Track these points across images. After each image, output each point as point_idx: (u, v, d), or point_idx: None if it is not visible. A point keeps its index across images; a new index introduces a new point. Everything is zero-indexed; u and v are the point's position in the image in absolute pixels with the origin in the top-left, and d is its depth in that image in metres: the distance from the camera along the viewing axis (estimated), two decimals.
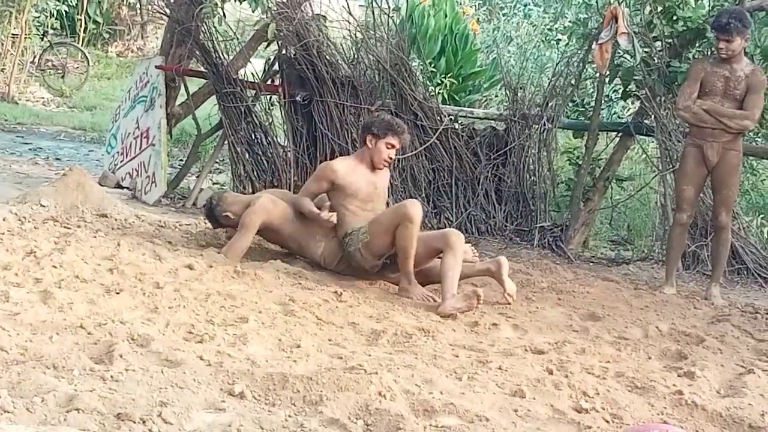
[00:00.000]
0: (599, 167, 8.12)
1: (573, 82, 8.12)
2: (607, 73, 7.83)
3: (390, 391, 3.75)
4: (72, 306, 4.51)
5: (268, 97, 8.27)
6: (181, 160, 9.58)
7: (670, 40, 7.60)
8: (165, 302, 4.80)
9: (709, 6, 7.65)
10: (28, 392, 3.37)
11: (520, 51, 12.46)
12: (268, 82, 8.24)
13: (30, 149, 10.47)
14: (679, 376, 4.51)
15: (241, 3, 8.19)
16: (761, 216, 8.27)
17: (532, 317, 5.53)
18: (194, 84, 8.69)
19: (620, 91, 8.55)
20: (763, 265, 7.48)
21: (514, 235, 8.00)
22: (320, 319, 4.93)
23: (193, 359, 3.93)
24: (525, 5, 15.53)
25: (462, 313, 5.32)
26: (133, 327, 4.25)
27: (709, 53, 7.30)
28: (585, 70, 8.16)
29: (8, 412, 3.19)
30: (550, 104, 8.04)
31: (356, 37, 8.12)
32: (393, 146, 5.98)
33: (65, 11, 15.70)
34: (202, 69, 8.38)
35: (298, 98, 7.92)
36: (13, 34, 13.78)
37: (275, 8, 7.84)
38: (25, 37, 13.83)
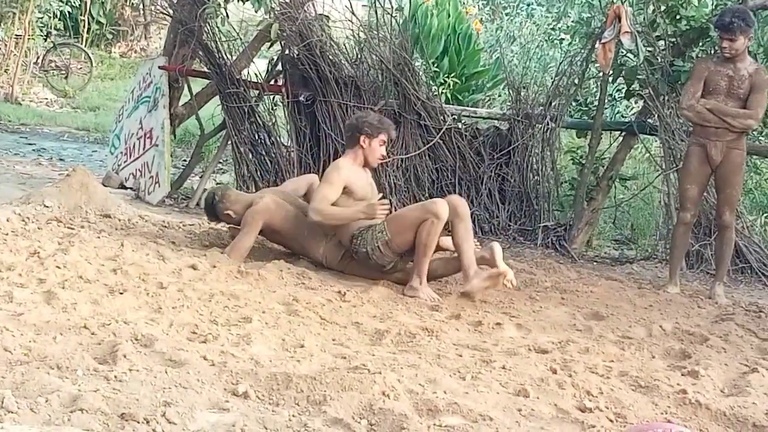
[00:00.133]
0: (602, 166, 8.11)
1: (576, 81, 8.11)
2: (611, 72, 7.82)
3: (394, 390, 3.74)
4: (76, 306, 4.51)
5: (272, 97, 8.27)
6: (185, 160, 9.59)
7: (673, 39, 7.60)
8: (168, 302, 4.81)
9: (712, 5, 7.64)
10: (32, 392, 3.37)
11: (523, 50, 12.43)
12: (272, 83, 8.24)
13: (33, 150, 10.48)
14: (683, 375, 4.51)
15: (244, 3, 8.19)
16: (765, 215, 8.27)
17: (536, 317, 5.52)
18: (197, 84, 8.69)
19: (623, 91, 8.54)
20: (767, 264, 7.47)
21: (518, 235, 7.99)
22: (324, 318, 4.93)
23: (196, 359, 3.93)
24: (528, 5, 15.50)
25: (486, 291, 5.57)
26: (136, 327, 4.25)
27: (712, 52, 7.30)
28: (588, 70, 8.14)
29: (12, 412, 3.19)
30: (553, 104, 8.03)
31: (359, 37, 8.13)
32: (385, 142, 6.06)
33: (68, 12, 15.68)
34: (205, 69, 8.38)
35: (301, 98, 7.92)
36: (16, 35, 13.80)
37: (278, 8, 7.83)
38: (29, 38, 13.83)
